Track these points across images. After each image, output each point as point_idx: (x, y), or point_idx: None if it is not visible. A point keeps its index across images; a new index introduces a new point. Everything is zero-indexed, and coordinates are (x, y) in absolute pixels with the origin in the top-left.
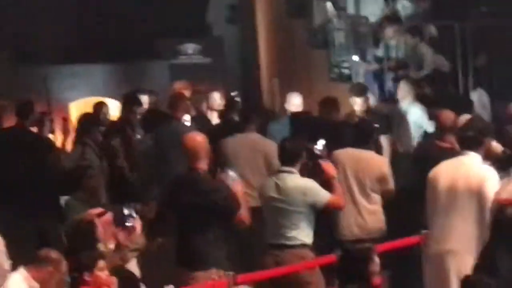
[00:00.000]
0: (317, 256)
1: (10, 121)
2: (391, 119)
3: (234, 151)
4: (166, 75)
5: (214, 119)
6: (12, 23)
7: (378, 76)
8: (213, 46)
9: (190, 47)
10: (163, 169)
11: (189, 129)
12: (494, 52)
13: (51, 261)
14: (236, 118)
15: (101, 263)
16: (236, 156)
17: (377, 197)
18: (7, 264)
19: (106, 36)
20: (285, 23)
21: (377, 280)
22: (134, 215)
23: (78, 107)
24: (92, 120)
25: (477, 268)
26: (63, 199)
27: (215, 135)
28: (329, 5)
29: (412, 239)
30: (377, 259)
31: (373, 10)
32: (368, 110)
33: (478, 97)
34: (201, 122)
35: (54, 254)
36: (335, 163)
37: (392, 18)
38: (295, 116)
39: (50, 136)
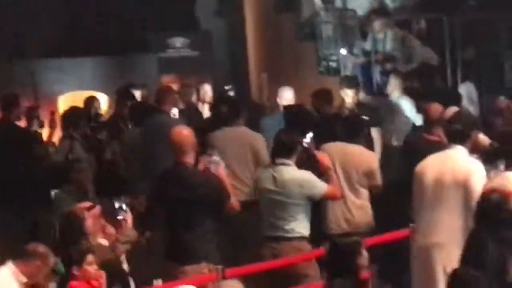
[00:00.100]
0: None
1: None
2: (382, 112)
3: (222, 145)
4: (154, 69)
5: (206, 111)
6: None
7: (366, 69)
8: (201, 40)
9: (178, 41)
10: (151, 163)
11: (176, 123)
12: (483, 46)
13: (38, 255)
14: (225, 111)
15: (90, 257)
16: (224, 150)
17: (365, 192)
18: None
19: (94, 29)
20: (273, 17)
21: (365, 274)
22: (125, 208)
23: (66, 101)
24: (80, 114)
25: (463, 259)
26: (52, 192)
27: (204, 128)
28: None
29: (400, 233)
30: (365, 253)
31: (360, 3)
32: (359, 103)
33: (467, 91)
34: (189, 115)
35: (41, 248)
36: None
37: (379, 11)
38: (287, 109)
39: (40, 130)
